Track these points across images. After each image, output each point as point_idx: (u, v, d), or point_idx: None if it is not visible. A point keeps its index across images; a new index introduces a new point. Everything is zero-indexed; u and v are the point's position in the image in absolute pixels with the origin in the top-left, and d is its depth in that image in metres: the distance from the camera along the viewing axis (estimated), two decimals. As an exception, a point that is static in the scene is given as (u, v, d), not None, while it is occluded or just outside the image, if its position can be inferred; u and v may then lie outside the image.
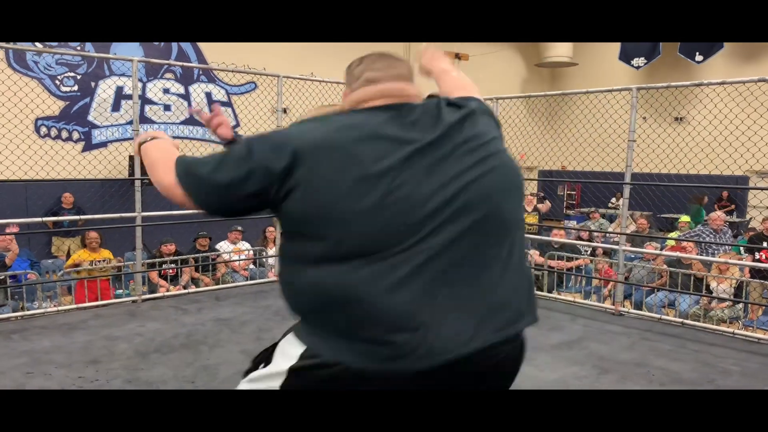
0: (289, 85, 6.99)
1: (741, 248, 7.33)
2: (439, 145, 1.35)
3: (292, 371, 1.33)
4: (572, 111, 9.72)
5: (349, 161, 1.28)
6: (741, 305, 5.89)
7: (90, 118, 9.29)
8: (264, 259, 7.24)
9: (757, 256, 6.64)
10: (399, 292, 1.25)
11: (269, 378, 1.38)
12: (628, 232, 6.77)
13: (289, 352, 1.36)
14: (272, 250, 7.15)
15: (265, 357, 1.45)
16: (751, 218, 11.77)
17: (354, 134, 1.32)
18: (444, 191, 1.30)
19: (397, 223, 1.26)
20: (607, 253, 7.25)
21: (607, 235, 8.92)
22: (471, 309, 1.29)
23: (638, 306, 6.13)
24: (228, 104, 10.62)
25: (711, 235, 6.83)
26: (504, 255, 1.36)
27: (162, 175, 1.41)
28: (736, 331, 5.04)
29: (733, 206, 12.06)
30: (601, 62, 14.47)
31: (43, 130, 8.81)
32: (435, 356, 1.25)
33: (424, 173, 1.30)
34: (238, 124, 10.67)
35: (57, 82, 8.90)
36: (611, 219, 11.26)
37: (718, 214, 7.11)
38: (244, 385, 1.45)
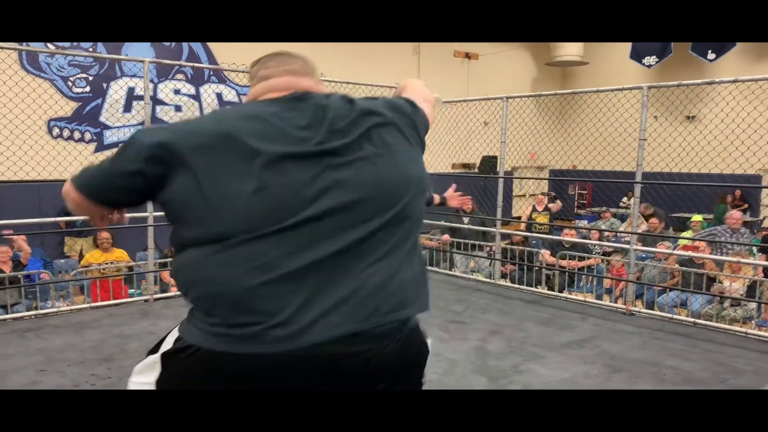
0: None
1: (754, 248, 7.26)
2: (323, 139, 1.37)
3: (164, 357, 1.37)
4: (582, 110, 9.69)
5: (224, 149, 1.31)
6: (754, 305, 5.84)
7: (102, 118, 9.36)
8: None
9: (770, 256, 6.59)
10: (261, 276, 1.26)
11: (149, 367, 1.41)
12: (639, 231, 6.74)
13: (169, 341, 1.39)
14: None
15: (155, 346, 1.46)
16: (764, 218, 11.67)
17: (230, 121, 1.36)
18: (317, 184, 1.32)
19: (265, 208, 1.28)
20: (619, 252, 7.21)
21: (618, 234, 8.87)
22: (338, 297, 1.29)
23: (650, 306, 6.09)
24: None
25: (728, 235, 6.75)
26: (387, 247, 1.36)
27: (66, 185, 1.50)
28: (749, 331, 5.00)
29: (746, 205, 11.96)
30: (612, 61, 14.40)
31: (56, 131, 8.89)
32: (293, 341, 1.25)
33: (301, 164, 1.32)
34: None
35: (69, 83, 8.98)
36: (623, 218, 11.20)
37: (736, 213, 7.02)
38: (133, 377, 1.46)
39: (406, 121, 1.54)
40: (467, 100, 7.66)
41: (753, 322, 5.69)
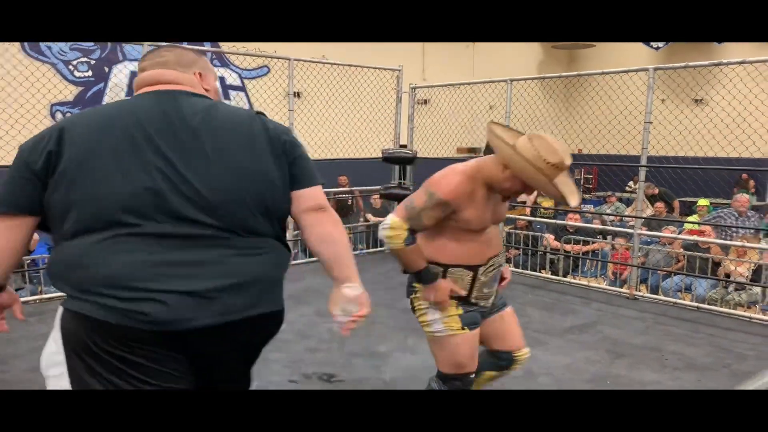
0: (300, 68, 6.96)
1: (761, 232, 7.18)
2: (181, 134, 1.49)
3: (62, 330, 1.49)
4: (588, 93, 9.59)
5: (88, 146, 1.45)
6: (759, 289, 5.79)
7: (104, 103, 9.33)
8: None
9: (777, 240, 6.51)
10: (124, 257, 1.40)
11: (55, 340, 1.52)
12: (644, 215, 6.67)
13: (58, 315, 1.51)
14: (289, 235, 7.17)
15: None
16: (772, 202, 11.55)
17: (98, 120, 1.50)
18: (173, 177, 1.45)
19: (118, 201, 1.42)
20: (622, 237, 7.15)
21: (624, 219, 8.81)
22: (191, 286, 1.41)
23: (654, 290, 6.06)
24: (241, 89, 10.61)
25: (734, 218, 6.67)
26: (236, 245, 1.49)
27: None
28: (753, 315, 4.97)
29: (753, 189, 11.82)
30: (620, 44, 14.20)
31: (59, 116, 8.86)
32: (154, 322, 1.38)
33: (160, 158, 1.45)
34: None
35: (71, 67, 8.93)
36: (628, 203, 11.12)
37: (742, 196, 6.93)
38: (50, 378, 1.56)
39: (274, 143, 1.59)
40: (471, 83, 7.59)
41: (757, 306, 5.65)
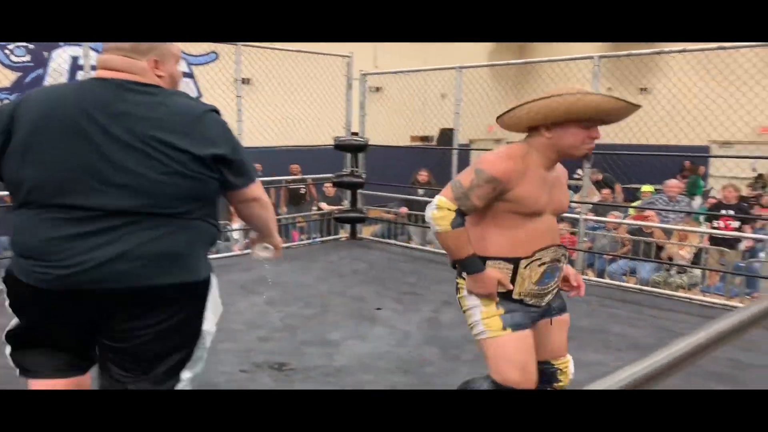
0: (249, 54, 6.83)
1: (701, 216, 7.48)
2: (104, 123, 1.60)
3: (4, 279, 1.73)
4: (536, 82, 9.74)
5: (33, 130, 1.61)
6: (699, 272, 6.03)
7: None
8: (228, 233, 7.14)
9: (716, 224, 6.77)
10: (41, 231, 1.61)
11: None
12: (591, 201, 6.84)
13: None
14: (236, 224, 7.06)
15: None
16: (711, 188, 12.00)
17: (44, 103, 1.64)
18: (99, 162, 1.59)
19: (54, 186, 1.60)
20: (572, 222, 7.33)
21: (571, 205, 9.00)
22: (92, 256, 1.59)
23: (601, 274, 6.22)
24: (189, 75, 10.36)
25: (665, 203, 6.91)
26: (155, 225, 1.64)
27: None
28: (693, 296, 5.16)
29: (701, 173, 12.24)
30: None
31: (-4, 102, 8.50)
32: (56, 282, 1.60)
33: (91, 146, 1.59)
34: (200, 96, 10.44)
35: (7, 51, 8.56)
36: (576, 190, 11.37)
37: (674, 182, 7.20)
38: None
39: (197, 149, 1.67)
40: (420, 70, 7.60)
41: (698, 288, 5.88)
